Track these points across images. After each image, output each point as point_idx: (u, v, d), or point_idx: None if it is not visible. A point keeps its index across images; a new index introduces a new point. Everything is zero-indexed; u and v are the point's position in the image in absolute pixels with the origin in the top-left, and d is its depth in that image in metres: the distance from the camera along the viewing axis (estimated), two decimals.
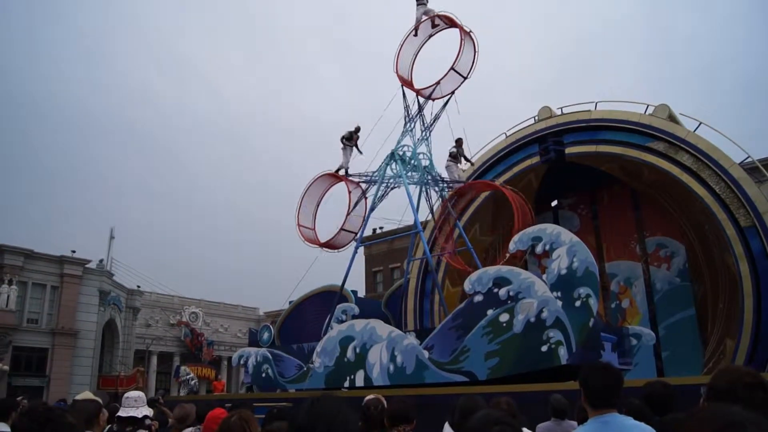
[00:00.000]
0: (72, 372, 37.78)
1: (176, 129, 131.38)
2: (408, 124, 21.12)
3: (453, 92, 20.88)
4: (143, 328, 48.76)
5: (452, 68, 20.62)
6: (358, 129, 21.52)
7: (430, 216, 21.76)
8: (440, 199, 20.90)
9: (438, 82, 20.83)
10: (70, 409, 3.36)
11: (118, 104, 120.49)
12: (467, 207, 21.83)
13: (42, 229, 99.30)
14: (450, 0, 22.00)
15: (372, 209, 20.60)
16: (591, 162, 20.77)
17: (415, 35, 21.49)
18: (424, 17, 21.19)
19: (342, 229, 21.41)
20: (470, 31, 20.28)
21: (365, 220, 20.90)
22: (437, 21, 21.13)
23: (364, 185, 21.31)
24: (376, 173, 20.73)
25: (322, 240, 21.47)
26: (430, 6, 21.18)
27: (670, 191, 19.86)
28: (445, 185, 20.58)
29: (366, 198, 21.44)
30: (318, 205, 22.45)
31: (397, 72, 21.13)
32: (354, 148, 21.51)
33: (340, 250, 21.52)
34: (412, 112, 21.20)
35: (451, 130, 19.96)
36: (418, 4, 21.32)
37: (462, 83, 20.92)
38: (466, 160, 20.99)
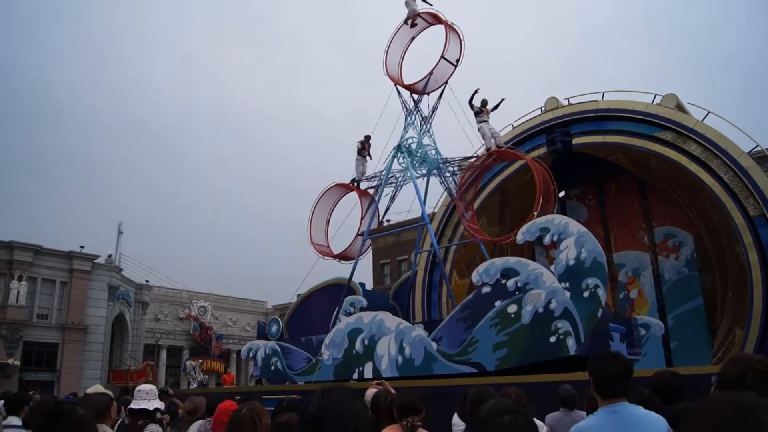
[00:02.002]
0: (82, 366, 38.07)
1: (183, 126, 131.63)
2: (409, 118, 21.24)
3: (446, 82, 21.07)
4: (152, 323, 48.99)
5: (442, 56, 20.80)
6: (368, 138, 21.84)
7: (441, 203, 21.82)
8: (454, 180, 20.77)
9: (431, 73, 20.93)
10: (81, 403, 3.38)
11: (124, 101, 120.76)
12: (476, 197, 21.74)
13: (50, 226, 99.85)
14: None
15: (387, 210, 20.98)
16: (598, 152, 20.69)
17: (412, 26, 21.75)
18: (409, 16, 21.61)
19: (358, 234, 21.69)
20: (453, 24, 20.72)
21: (373, 218, 21.00)
22: (420, 20, 21.58)
23: (372, 191, 21.64)
24: (383, 171, 20.85)
25: (336, 251, 21.90)
26: (418, 3, 21.45)
27: (678, 181, 19.76)
28: (455, 168, 20.55)
29: (377, 202, 21.59)
30: (329, 217, 22.72)
31: (387, 73, 21.52)
32: (367, 157, 21.84)
33: (351, 261, 21.74)
34: (410, 107, 21.37)
35: (457, 119, 19.87)
36: (406, 3, 21.55)
37: (454, 71, 21.19)
38: (494, 108, 20.00)
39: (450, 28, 20.62)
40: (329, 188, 22.37)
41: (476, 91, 19.34)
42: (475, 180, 20.82)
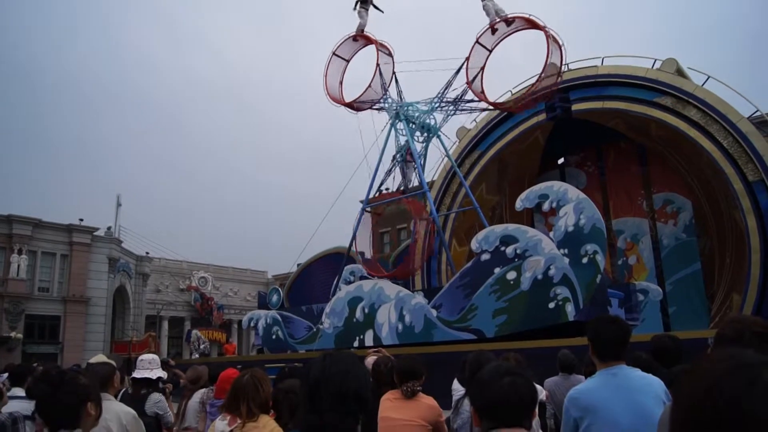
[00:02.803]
0: (85, 338, 38.31)
1: (183, 97, 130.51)
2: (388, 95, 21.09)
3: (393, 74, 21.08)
4: (153, 294, 49.17)
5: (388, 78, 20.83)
6: None
7: (440, 171, 21.72)
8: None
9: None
10: (84, 372, 3.41)
11: (124, 73, 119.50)
12: (473, 168, 21.65)
13: (49, 198, 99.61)
14: None
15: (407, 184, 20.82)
16: (598, 119, 20.58)
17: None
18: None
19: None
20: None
21: (373, 176, 20.85)
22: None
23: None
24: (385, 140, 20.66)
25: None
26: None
27: (677, 147, 19.69)
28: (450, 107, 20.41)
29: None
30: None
31: (327, 96, 21.32)
32: (371, 6, 21.20)
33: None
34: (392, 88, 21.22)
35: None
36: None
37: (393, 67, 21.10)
38: None
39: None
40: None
41: None
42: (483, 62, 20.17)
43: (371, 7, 20.99)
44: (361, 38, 21.30)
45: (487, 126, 22.14)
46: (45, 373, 2.53)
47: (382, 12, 21.12)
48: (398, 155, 20.52)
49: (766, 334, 2.44)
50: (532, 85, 18.71)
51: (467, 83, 19.20)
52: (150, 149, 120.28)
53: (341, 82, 21.83)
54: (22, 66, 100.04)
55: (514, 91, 21.88)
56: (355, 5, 21.02)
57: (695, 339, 9.23)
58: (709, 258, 20.47)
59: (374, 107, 20.96)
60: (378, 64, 20.47)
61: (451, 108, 20.22)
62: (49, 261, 38.04)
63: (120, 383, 6.15)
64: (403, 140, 20.35)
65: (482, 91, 19.50)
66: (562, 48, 18.21)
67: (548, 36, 17.72)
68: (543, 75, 18.16)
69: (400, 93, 20.97)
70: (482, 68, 19.72)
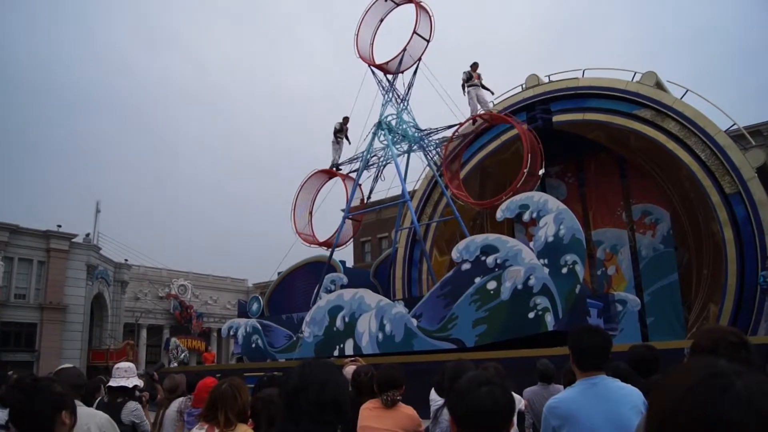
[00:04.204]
0: (62, 346, 37.80)
1: (162, 103, 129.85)
2: (387, 96, 21.22)
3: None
4: (132, 302, 48.67)
5: (414, 32, 20.73)
6: (346, 120, 21.84)
7: (422, 180, 21.85)
8: (438, 153, 20.78)
9: (404, 49, 20.84)
10: (56, 378, 3.36)
11: (102, 78, 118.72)
12: (456, 175, 21.79)
13: (27, 204, 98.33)
14: None
15: (371, 191, 21.00)
16: (578, 130, 20.77)
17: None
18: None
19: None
20: (420, 1, 20.70)
21: (354, 185, 20.94)
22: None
23: (354, 174, 21.53)
24: (364, 152, 20.81)
25: (322, 237, 21.86)
26: None
27: (656, 159, 19.94)
28: (437, 140, 20.56)
29: (361, 185, 21.59)
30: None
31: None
32: (344, 140, 21.79)
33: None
34: (386, 86, 21.35)
35: (437, 92, 19.86)
36: None
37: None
38: (484, 87, 19.98)
39: (418, 5, 20.61)
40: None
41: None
42: (461, 148, 20.78)
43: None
44: None
45: (469, 136, 22.24)
46: (19, 381, 2.48)
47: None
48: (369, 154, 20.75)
49: (741, 343, 2.47)
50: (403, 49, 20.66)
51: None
52: (130, 155, 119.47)
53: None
54: (5, 66, 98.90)
55: (496, 102, 22.06)
56: None
57: (672, 349, 9.32)
58: (687, 269, 20.69)
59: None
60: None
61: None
62: (26, 267, 37.55)
63: (96, 393, 6.09)
64: (379, 146, 20.57)
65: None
66: (431, 15, 20.52)
67: (417, 5, 20.32)
68: (408, 45, 20.47)
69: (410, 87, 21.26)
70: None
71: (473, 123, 19.55)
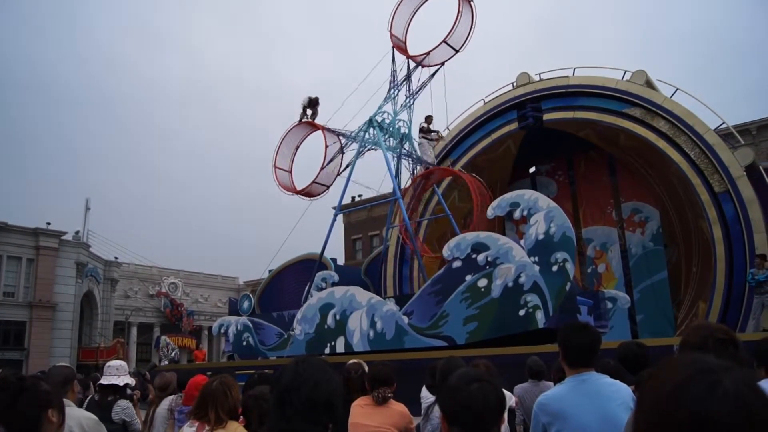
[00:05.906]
0: (51, 344, 37.61)
1: (153, 99, 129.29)
2: (392, 90, 21.08)
3: (443, 63, 20.94)
4: (122, 300, 48.45)
5: (444, 41, 20.59)
6: (430, 119, 21.48)
7: (409, 182, 21.82)
8: (411, 174, 21.13)
9: (428, 53, 20.73)
10: (44, 377, 3.33)
11: (92, 74, 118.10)
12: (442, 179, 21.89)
13: (16, 201, 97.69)
14: None
15: (348, 167, 20.76)
16: (568, 128, 20.84)
17: None
18: None
19: (315, 182, 21.35)
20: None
21: (346, 181, 20.78)
22: None
23: (343, 140, 21.22)
24: (353, 132, 20.69)
25: (298, 188, 21.51)
26: None
27: (646, 157, 20.03)
28: (416, 163, 20.77)
29: (343, 154, 21.38)
30: (296, 151, 22.28)
31: (391, 32, 20.91)
32: (432, 135, 21.71)
33: (312, 198, 21.49)
34: (399, 78, 21.13)
35: (431, 102, 20.10)
36: None
37: (453, 56, 21.03)
38: (434, 136, 21.28)
39: (466, 2, 20.32)
40: (297, 124, 21.76)
41: (428, 118, 20.64)
42: (417, 198, 21.55)
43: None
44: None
45: (460, 134, 22.27)
46: (4, 379, 2.44)
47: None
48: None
49: (729, 340, 2.49)
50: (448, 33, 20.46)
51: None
52: (120, 152, 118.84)
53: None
54: None
55: (486, 100, 22.09)
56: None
57: (662, 346, 9.36)
58: (676, 266, 20.81)
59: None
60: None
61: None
62: (14, 265, 37.31)
63: (78, 391, 6.06)
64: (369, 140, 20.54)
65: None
66: (474, 19, 20.41)
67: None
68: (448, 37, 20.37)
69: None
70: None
71: (422, 178, 20.69)
